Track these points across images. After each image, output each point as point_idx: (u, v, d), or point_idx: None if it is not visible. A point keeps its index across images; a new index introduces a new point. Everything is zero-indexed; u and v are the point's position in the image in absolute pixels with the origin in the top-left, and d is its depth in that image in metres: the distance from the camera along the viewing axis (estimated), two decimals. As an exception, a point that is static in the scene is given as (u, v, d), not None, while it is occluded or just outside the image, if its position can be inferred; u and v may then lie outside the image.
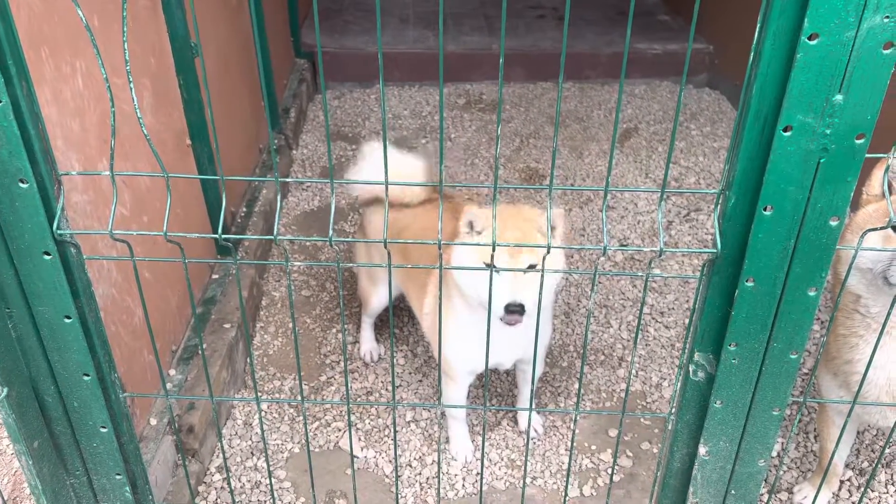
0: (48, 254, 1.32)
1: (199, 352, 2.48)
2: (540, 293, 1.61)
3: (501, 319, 1.92)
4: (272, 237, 1.35)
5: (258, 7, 3.89)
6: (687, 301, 3.21)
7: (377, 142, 2.59)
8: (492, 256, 1.30)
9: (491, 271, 1.36)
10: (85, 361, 1.53)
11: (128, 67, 1.22)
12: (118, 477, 1.75)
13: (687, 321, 3.04)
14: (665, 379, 2.81)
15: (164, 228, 1.35)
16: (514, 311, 1.87)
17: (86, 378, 1.56)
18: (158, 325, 2.42)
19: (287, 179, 1.55)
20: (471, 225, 2.01)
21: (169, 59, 2.60)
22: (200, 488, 2.35)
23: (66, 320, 1.41)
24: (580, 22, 5.91)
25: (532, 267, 1.93)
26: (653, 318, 3.12)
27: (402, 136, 4.79)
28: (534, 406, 2.65)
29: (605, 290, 3.29)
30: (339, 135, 4.78)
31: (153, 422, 2.25)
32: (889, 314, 1.53)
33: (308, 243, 3.63)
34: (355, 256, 2.91)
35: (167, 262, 2.46)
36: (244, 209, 3.47)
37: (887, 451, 2.46)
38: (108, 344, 1.60)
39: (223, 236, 1.34)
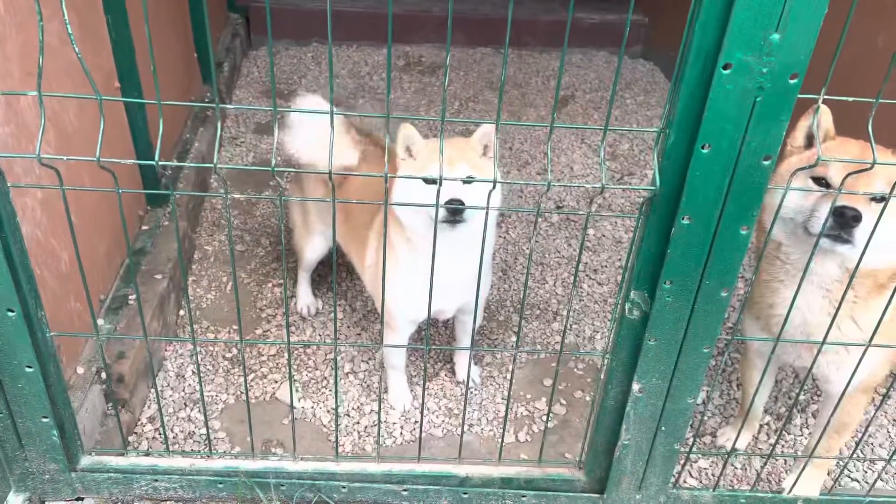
0: (-31, 177, 1.25)
1: (133, 290, 2.40)
2: (484, 233, 1.62)
3: (444, 221, 1.94)
4: (211, 165, 1.31)
5: (191, -48, 3.73)
6: (619, 260, 3.30)
7: (307, 94, 2.55)
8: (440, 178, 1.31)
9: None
10: (9, 296, 1.46)
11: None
12: (45, 420, 1.69)
13: (619, 278, 3.12)
14: (598, 332, 2.90)
15: (98, 154, 1.29)
16: (455, 202, 1.89)
17: (10, 314, 1.49)
18: (86, 274, 2.32)
19: (228, 106, 1.51)
20: (408, 150, 2.10)
21: (96, -5, 2.47)
22: (131, 438, 2.29)
23: (-10, 250, 1.35)
24: (520, -13, 5.91)
25: (470, 179, 2.00)
26: (587, 275, 3.20)
27: (340, 96, 4.71)
28: (473, 355, 2.68)
29: (542, 248, 3.35)
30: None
31: (80, 370, 2.17)
32: (810, 260, 1.62)
33: (243, 200, 3.54)
34: (290, 213, 2.86)
35: (97, 205, 2.36)
36: (175, 160, 3.35)
37: (802, 396, 2.61)
38: (34, 279, 1.54)
39: (161, 163, 1.29)
